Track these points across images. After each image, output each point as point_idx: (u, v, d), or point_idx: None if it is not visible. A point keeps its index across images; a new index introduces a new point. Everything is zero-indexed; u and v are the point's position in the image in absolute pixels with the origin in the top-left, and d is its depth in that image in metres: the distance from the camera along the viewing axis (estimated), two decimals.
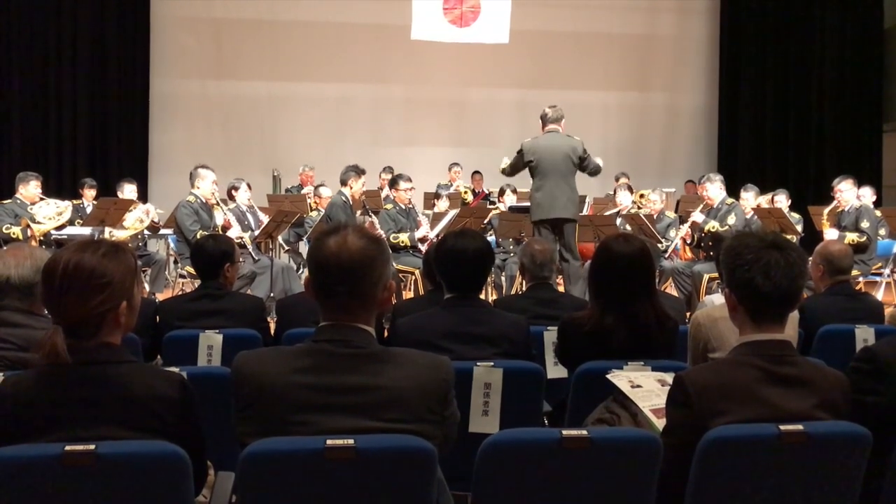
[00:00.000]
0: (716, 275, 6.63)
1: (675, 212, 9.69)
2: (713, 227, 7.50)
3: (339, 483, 1.86)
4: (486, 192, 11.22)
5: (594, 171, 7.15)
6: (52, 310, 1.98)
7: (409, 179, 8.09)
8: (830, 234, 7.59)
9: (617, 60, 13.09)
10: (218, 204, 7.54)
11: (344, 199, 7.65)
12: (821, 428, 2.03)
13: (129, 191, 8.73)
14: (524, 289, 4.47)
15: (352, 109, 12.63)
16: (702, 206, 7.88)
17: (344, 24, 12.41)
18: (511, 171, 7.21)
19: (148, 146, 12.26)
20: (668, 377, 2.49)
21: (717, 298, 3.71)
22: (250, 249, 7.15)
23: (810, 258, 3.90)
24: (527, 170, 7.02)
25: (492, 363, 2.79)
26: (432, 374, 1.98)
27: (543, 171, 6.85)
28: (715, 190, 7.73)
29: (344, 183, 7.73)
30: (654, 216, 8.38)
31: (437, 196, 9.56)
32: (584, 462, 1.99)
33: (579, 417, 2.77)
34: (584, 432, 2.00)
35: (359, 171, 7.80)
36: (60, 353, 1.89)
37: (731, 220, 7.49)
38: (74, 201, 8.84)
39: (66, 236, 7.56)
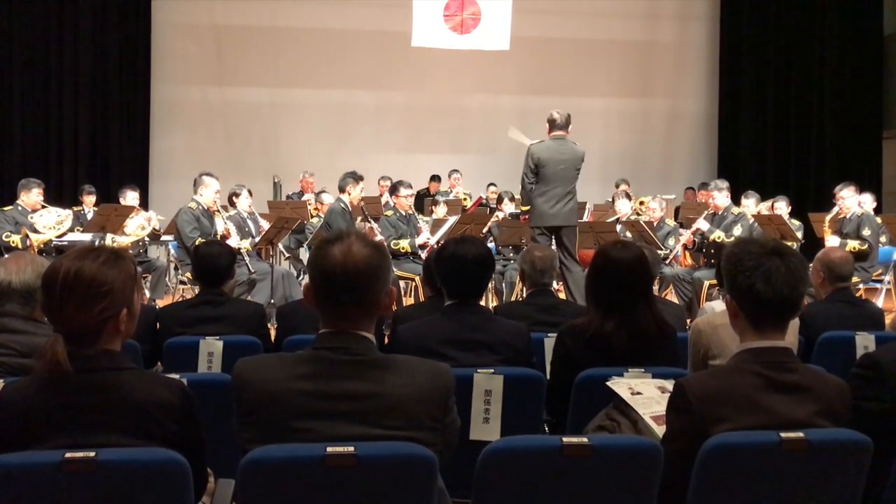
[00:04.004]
0: (716, 281, 6.63)
1: (676, 219, 9.70)
2: (719, 237, 7.50)
3: (339, 490, 1.86)
4: (483, 197, 11.23)
5: None
6: (53, 318, 1.98)
7: (410, 186, 8.10)
8: (832, 241, 7.58)
9: (617, 67, 13.11)
10: (218, 211, 7.54)
11: (343, 205, 7.67)
12: (821, 435, 2.03)
13: (131, 197, 8.74)
14: (524, 295, 4.47)
15: (352, 116, 12.65)
16: (706, 212, 7.88)
17: (345, 30, 12.44)
18: (527, 182, 6.92)
19: (149, 152, 12.27)
20: (669, 384, 2.49)
21: (718, 305, 3.72)
22: (247, 260, 7.14)
23: (811, 265, 3.90)
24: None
25: (492, 370, 2.79)
26: (433, 381, 1.98)
27: (548, 178, 6.79)
28: (722, 198, 7.75)
29: (342, 190, 7.75)
30: (654, 224, 8.38)
31: (434, 203, 9.58)
32: (585, 469, 1.99)
33: (580, 425, 2.77)
34: (585, 439, 2.00)
35: (356, 178, 7.82)
36: (61, 361, 1.89)
37: (737, 230, 7.48)
38: (75, 208, 8.85)
39: (66, 243, 7.56)
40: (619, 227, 8.24)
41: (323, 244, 1.98)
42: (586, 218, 9.49)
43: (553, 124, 6.89)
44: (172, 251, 8.69)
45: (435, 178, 12.03)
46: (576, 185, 6.94)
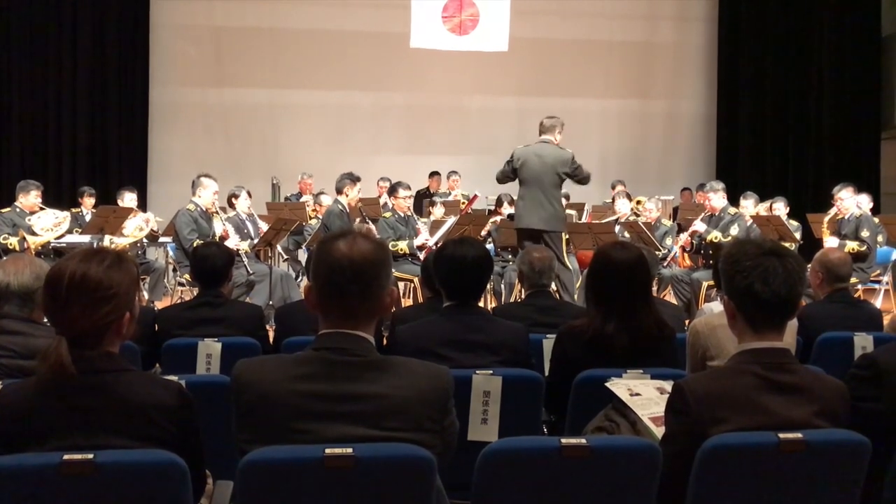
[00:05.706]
0: (714, 282, 6.63)
1: (674, 220, 9.70)
2: (716, 238, 7.50)
3: (337, 492, 1.86)
4: (477, 195, 11.19)
5: (584, 180, 7.03)
6: (56, 321, 1.97)
7: (409, 187, 8.10)
8: (830, 242, 7.59)
9: (616, 68, 13.12)
10: (217, 213, 7.54)
11: (340, 207, 7.66)
12: (820, 436, 2.03)
13: (129, 199, 8.74)
14: (523, 297, 4.47)
15: (351, 117, 12.64)
16: (703, 214, 7.88)
17: (343, 31, 12.43)
18: (501, 177, 7.12)
19: (147, 154, 12.26)
20: (667, 385, 2.49)
21: (716, 306, 3.72)
22: (245, 262, 7.13)
23: (809, 266, 3.90)
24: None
25: (491, 371, 2.79)
26: (432, 383, 1.98)
27: (525, 181, 6.79)
28: (718, 199, 7.75)
29: (339, 191, 7.75)
30: (651, 224, 8.39)
31: (432, 203, 9.56)
32: (584, 471, 1.99)
33: (579, 426, 2.77)
34: (584, 441, 2.00)
35: (354, 179, 7.82)
36: (66, 364, 1.88)
37: (734, 230, 7.48)
38: (73, 209, 8.84)
39: (65, 244, 7.55)
40: (617, 228, 8.25)
41: (327, 240, 1.99)
42: (585, 219, 9.49)
43: (539, 128, 6.93)
44: (171, 253, 8.68)
45: (434, 175, 11.93)
46: (560, 191, 6.88)
